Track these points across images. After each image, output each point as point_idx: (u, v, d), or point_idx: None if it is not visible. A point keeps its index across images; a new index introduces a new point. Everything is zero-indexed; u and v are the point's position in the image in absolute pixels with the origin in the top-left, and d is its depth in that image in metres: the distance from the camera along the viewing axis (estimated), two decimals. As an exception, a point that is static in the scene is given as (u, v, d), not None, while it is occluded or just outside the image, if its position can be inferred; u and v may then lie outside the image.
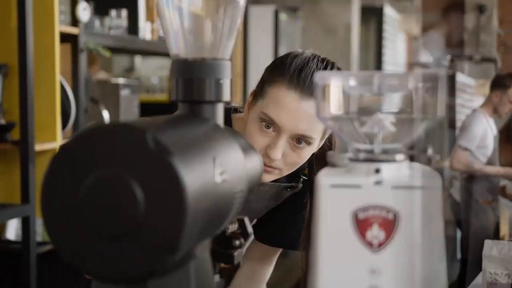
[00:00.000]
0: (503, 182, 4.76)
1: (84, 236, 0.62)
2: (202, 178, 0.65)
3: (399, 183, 0.68)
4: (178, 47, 0.82)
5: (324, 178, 0.69)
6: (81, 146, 0.63)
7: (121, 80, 3.13)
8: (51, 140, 2.47)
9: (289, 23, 5.11)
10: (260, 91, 1.27)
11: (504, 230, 4.68)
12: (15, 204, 2.36)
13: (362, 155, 0.71)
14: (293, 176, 1.39)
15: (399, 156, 0.71)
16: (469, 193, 4.30)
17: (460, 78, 7.21)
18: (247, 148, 0.86)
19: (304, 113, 1.21)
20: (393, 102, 0.76)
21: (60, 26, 2.51)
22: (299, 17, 5.26)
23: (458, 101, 7.00)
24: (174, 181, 0.60)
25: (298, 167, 1.29)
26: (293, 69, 1.23)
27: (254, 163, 0.85)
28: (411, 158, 0.73)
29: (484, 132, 4.29)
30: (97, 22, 2.89)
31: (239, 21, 0.86)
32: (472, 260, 4.12)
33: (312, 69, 1.23)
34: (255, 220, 1.49)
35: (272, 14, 5.07)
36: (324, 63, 1.26)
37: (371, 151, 0.71)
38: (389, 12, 7.58)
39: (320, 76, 0.71)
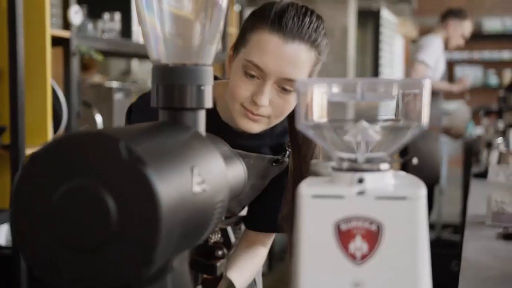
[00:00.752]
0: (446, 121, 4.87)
1: (56, 249, 0.60)
2: (179, 188, 0.63)
3: (383, 193, 0.66)
4: (159, 52, 0.80)
5: (306, 188, 0.67)
6: (52, 155, 0.61)
7: (114, 84, 3.11)
8: (42, 144, 2.45)
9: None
10: (241, 41, 1.26)
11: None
12: (5, 209, 2.34)
13: (345, 164, 0.69)
14: (278, 151, 1.39)
15: (384, 165, 0.69)
16: None
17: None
18: (230, 156, 0.84)
19: (289, 56, 1.21)
20: (389, 107, 0.74)
21: (52, 29, 2.49)
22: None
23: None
24: (148, 192, 0.58)
25: (285, 115, 1.27)
26: (274, 14, 1.23)
27: (236, 171, 0.83)
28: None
29: (439, 54, 4.45)
30: (90, 25, 2.87)
31: (222, 24, 0.84)
32: None
33: (293, 13, 1.22)
34: (245, 209, 1.48)
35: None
36: (304, 9, 1.25)
37: (354, 160, 0.69)
38: (386, 15, 7.57)
39: (302, 83, 0.69)
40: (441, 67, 4.55)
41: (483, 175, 2.86)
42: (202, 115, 0.80)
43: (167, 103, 0.79)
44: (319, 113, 0.70)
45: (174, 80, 0.78)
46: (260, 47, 1.21)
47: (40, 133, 2.41)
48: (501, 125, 4.07)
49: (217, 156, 0.75)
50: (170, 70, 0.79)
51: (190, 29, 0.81)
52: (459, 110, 4.93)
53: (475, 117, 9.75)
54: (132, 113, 1.38)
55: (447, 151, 5.95)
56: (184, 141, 0.72)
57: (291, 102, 1.25)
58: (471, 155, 4.61)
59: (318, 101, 0.69)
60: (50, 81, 2.45)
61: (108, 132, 0.60)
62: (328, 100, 0.70)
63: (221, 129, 1.32)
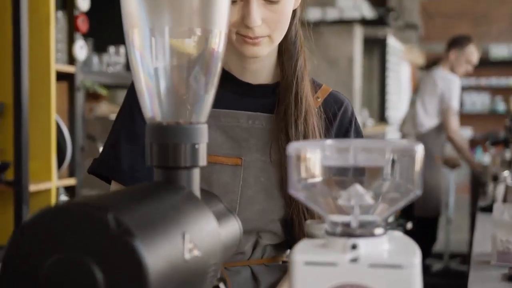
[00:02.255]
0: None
1: (44, 320, 0.59)
2: (169, 257, 0.62)
3: (377, 261, 0.65)
4: (153, 110, 0.80)
5: (299, 255, 0.66)
6: (40, 226, 0.60)
7: (119, 117, 3.11)
8: (46, 180, 2.45)
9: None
10: None
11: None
12: (8, 246, 2.33)
13: (338, 229, 0.68)
14: None
15: (378, 230, 0.68)
16: (427, 148, 4.37)
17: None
18: (224, 213, 0.83)
19: None
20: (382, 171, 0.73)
21: (57, 64, 2.50)
22: (301, 50, 5.24)
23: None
24: (136, 264, 0.57)
25: (285, 27, 1.19)
26: None
27: (230, 229, 0.82)
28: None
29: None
30: (95, 59, 2.89)
31: (216, 81, 0.83)
32: (417, 215, 4.24)
33: None
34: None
35: (274, 47, 5.07)
36: None
37: (348, 224, 0.69)
38: (393, 42, 7.59)
39: (293, 147, 0.69)
40: None
41: (489, 208, 2.84)
42: (196, 174, 0.80)
43: (161, 161, 0.78)
44: (311, 176, 0.69)
45: (168, 139, 0.78)
46: None
47: (44, 169, 2.41)
48: (508, 154, 4.05)
49: (210, 217, 0.74)
50: (164, 128, 0.78)
51: (185, 86, 0.80)
52: None
53: (483, 144, 9.73)
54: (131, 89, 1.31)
55: (454, 179, 5.92)
56: (176, 205, 0.71)
57: (284, 11, 1.17)
58: (478, 186, 4.59)
59: (311, 164, 0.69)
60: (54, 117, 2.46)
61: (97, 202, 0.60)
62: (320, 164, 0.69)
63: (229, 83, 1.25)
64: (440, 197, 4.43)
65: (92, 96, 3.81)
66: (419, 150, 0.66)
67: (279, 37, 1.19)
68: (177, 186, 0.77)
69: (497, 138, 5.28)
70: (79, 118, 2.65)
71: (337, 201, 0.69)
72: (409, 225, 4.10)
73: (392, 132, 7.49)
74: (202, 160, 0.80)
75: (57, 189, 2.57)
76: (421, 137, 4.39)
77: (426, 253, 4.44)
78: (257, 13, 1.14)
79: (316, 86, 1.30)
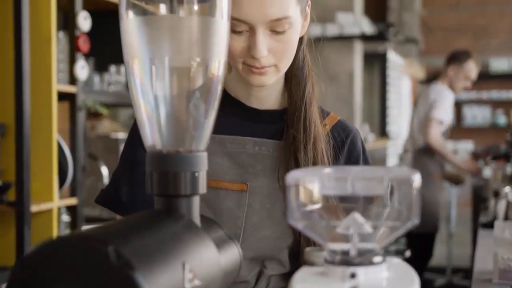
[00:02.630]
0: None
1: None
2: (169, 288, 0.62)
3: (375, 289, 0.65)
4: (153, 138, 0.81)
5: (298, 284, 0.67)
6: (41, 258, 0.61)
7: (121, 135, 3.13)
8: (48, 200, 2.45)
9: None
10: None
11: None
12: (9, 267, 2.33)
13: (337, 258, 0.69)
14: None
15: (377, 258, 0.68)
16: (422, 164, 4.32)
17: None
18: (224, 240, 0.83)
19: None
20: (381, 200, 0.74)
21: (58, 85, 2.52)
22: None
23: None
24: (137, 297, 0.58)
25: (291, 56, 1.17)
26: None
27: (231, 256, 0.83)
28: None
29: (451, 107, 4.44)
30: (96, 78, 2.90)
31: (215, 108, 0.84)
32: (415, 232, 4.17)
33: None
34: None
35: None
36: None
37: (347, 253, 0.69)
38: (393, 57, 7.61)
39: (292, 176, 0.69)
40: (450, 120, 4.56)
41: (491, 225, 2.83)
42: (196, 202, 0.80)
43: (162, 190, 0.79)
44: (310, 205, 0.70)
45: (168, 168, 0.79)
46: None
47: (46, 189, 2.42)
48: (509, 169, 4.04)
49: (210, 246, 0.75)
50: (164, 157, 0.79)
51: (185, 115, 0.81)
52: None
53: (484, 158, 9.72)
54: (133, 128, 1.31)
55: (456, 193, 5.92)
56: (176, 234, 0.71)
57: (290, 40, 1.16)
58: (479, 200, 4.58)
59: (309, 194, 0.69)
60: (56, 137, 2.47)
61: (97, 235, 0.61)
62: (319, 193, 0.70)
63: (235, 109, 1.25)
64: (438, 213, 4.41)
65: (94, 114, 3.83)
66: (417, 178, 0.67)
67: (285, 66, 1.19)
68: (177, 215, 0.77)
69: (498, 152, 5.28)
70: (81, 138, 2.65)
71: (336, 229, 0.70)
72: (408, 253, 4.08)
73: (393, 147, 7.50)
74: (202, 188, 0.80)
75: (59, 209, 2.57)
76: (417, 153, 4.39)
77: (423, 268, 4.42)
78: (263, 44, 1.13)
79: (324, 114, 1.30)
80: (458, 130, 10.23)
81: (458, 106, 10.25)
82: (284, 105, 1.27)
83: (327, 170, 0.72)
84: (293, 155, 1.21)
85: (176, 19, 0.80)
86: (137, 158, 1.22)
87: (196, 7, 0.78)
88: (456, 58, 4.49)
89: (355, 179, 0.69)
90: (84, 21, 2.60)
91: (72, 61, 2.61)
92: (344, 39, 5.35)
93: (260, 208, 1.20)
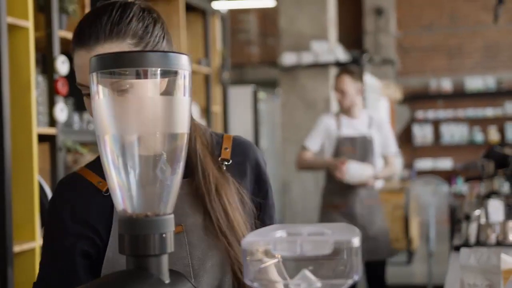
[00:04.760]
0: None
1: None
2: None
3: None
4: (124, 203, 0.89)
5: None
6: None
7: (101, 171, 3.19)
8: (30, 240, 2.52)
9: (268, 100, 5.23)
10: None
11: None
12: (-7, 306, 2.38)
13: (289, 313, 0.77)
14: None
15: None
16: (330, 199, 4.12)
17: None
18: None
19: None
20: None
21: (38, 127, 2.59)
22: (278, 94, 5.38)
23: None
24: None
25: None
26: (76, 31, 1.19)
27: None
28: None
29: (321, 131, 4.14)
30: (76, 118, 2.98)
31: (180, 174, 0.92)
32: (366, 260, 4.09)
33: (89, 20, 1.18)
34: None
35: (251, 93, 5.20)
36: (102, 9, 1.19)
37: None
38: (369, 80, 7.75)
39: (246, 241, 0.78)
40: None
41: (463, 247, 2.91)
42: (165, 260, 0.89)
43: (132, 251, 0.88)
44: (264, 265, 0.79)
45: (138, 231, 0.87)
46: (76, 67, 1.19)
47: (28, 229, 2.48)
48: (483, 189, 4.13)
49: (177, 303, 0.83)
50: (134, 221, 0.87)
51: (152, 182, 0.90)
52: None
53: (463, 175, 9.88)
54: (53, 205, 1.27)
55: (434, 211, 6.02)
56: (145, 295, 0.80)
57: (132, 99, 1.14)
58: (454, 221, 4.66)
59: (263, 256, 0.78)
60: (37, 177, 2.53)
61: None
62: (272, 254, 0.78)
63: None
64: (388, 237, 4.33)
65: (73, 162, 3.90)
66: (356, 240, 0.76)
67: None
68: (146, 274, 0.85)
69: (472, 174, 5.39)
70: (61, 177, 2.72)
71: (289, 286, 0.79)
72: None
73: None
74: (170, 247, 0.89)
75: (41, 247, 2.63)
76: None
77: None
78: None
79: (218, 137, 1.33)
80: (436, 148, 10.39)
81: (436, 124, 10.43)
82: None
83: (279, 233, 0.80)
84: (203, 203, 1.25)
85: (141, 99, 0.88)
86: (62, 245, 1.22)
87: (159, 87, 0.87)
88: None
89: (304, 242, 0.78)
90: (62, 65, 2.68)
91: (51, 104, 2.69)
92: (320, 66, 5.48)
93: (199, 242, 1.25)
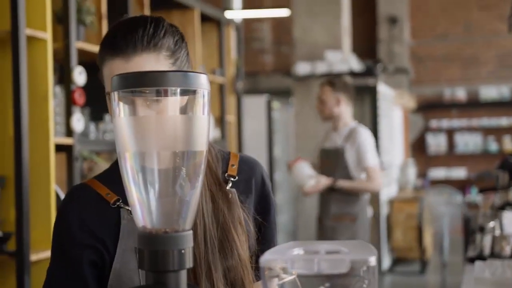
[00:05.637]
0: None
1: None
2: None
3: None
4: (144, 220, 0.91)
5: None
6: None
7: (116, 180, 3.22)
8: (47, 249, 2.54)
9: (282, 109, 5.24)
10: (102, 80, 1.24)
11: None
12: (11, 315, 2.41)
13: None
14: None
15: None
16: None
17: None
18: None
19: (135, 70, 1.17)
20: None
21: (56, 137, 2.62)
22: (291, 103, 5.39)
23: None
24: None
25: None
26: (108, 39, 1.21)
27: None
28: None
29: None
30: (92, 127, 3.01)
31: (199, 190, 0.94)
32: None
33: (124, 30, 1.20)
34: None
35: (265, 102, 5.22)
36: (134, 21, 1.22)
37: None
38: (383, 89, 7.75)
39: (264, 259, 0.79)
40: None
41: (478, 259, 2.90)
42: (184, 275, 0.90)
43: (152, 266, 0.89)
44: (282, 282, 0.80)
45: (157, 247, 0.89)
46: (107, 76, 1.20)
47: (45, 239, 2.51)
48: (497, 200, 4.11)
49: (196, 318, 0.85)
50: (154, 237, 0.89)
51: (172, 199, 0.91)
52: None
53: (477, 184, 9.83)
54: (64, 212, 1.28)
55: (448, 222, 6.01)
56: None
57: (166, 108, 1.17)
58: (469, 231, 4.64)
59: (281, 273, 0.79)
60: (54, 187, 2.56)
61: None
62: (289, 272, 0.80)
63: None
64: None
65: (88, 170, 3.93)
66: (372, 260, 0.77)
67: None
68: (166, 289, 0.87)
69: (486, 184, 5.37)
70: (78, 187, 2.75)
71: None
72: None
73: (386, 177, 7.61)
74: (189, 263, 0.90)
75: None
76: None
77: None
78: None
79: (224, 154, 1.35)
80: (450, 157, 10.35)
81: (450, 133, 10.39)
82: None
83: (296, 251, 0.82)
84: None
85: (161, 118, 0.90)
86: (70, 253, 1.23)
87: (179, 105, 0.89)
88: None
89: (321, 260, 0.79)
90: (79, 76, 2.72)
91: (68, 114, 2.72)
92: (334, 76, 5.49)
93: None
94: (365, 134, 4.01)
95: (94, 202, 1.26)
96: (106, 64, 1.20)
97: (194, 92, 0.90)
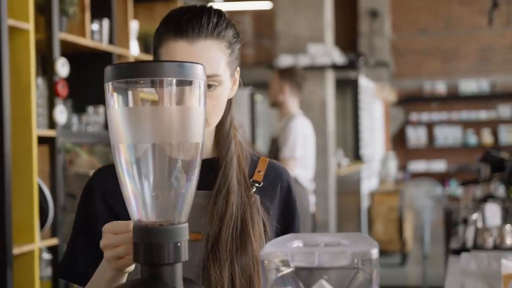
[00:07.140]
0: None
1: None
2: None
3: None
4: (139, 213, 0.90)
5: None
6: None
7: (99, 173, 3.19)
8: (29, 242, 2.51)
9: (264, 102, 5.23)
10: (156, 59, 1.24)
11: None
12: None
13: (306, 323, 0.78)
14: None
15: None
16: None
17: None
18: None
19: (198, 55, 1.19)
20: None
21: (38, 129, 2.59)
22: (274, 96, 5.36)
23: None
24: None
25: (220, 111, 1.24)
26: (174, 19, 1.22)
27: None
28: None
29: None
30: (75, 119, 2.98)
31: (195, 183, 0.92)
32: None
33: (190, 15, 1.21)
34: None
35: (248, 95, 5.21)
36: (199, 8, 1.24)
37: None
38: (364, 82, 7.77)
39: (265, 252, 0.78)
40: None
41: (461, 251, 2.91)
42: (179, 268, 0.89)
43: (147, 260, 0.88)
44: (281, 274, 0.79)
45: (152, 240, 0.87)
46: (169, 56, 1.21)
47: (27, 231, 2.47)
48: (478, 193, 4.14)
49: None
50: (149, 230, 0.88)
51: (167, 192, 0.90)
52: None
53: (457, 177, 9.92)
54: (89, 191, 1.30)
55: (429, 215, 6.04)
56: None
57: (220, 97, 1.23)
58: (450, 223, 4.66)
59: (281, 265, 0.78)
60: (36, 180, 2.53)
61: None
62: (290, 264, 0.79)
63: None
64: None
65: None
66: (374, 253, 0.76)
67: (214, 121, 1.25)
68: (161, 282, 0.86)
69: (466, 176, 5.41)
70: (60, 179, 2.72)
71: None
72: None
73: (367, 170, 7.64)
74: (184, 256, 0.89)
75: (40, 249, 2.63)
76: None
77: None
78: None
79: (253, 160, 1.36)
80: (430, 150, 10.42)
81: (430, 126, 10.45)
82: (216, 155, 1.31)
83: (296, 243, 0.81)
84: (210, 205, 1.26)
85: (156, 110, 0.89)
86: (91, 222, 1.25)
87: (175, 96, 0.87)
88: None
89: (321, 253, 0.78)
90: (62, 67, 2.68)
91: (51, 106, 2.68)
92: (316, 69, 5.49)
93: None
94: (295, 124, 3.96)
95: (118, 182, 1.25)
96: (167, 45, 1.21)
97: (190, 83, 0.88)
